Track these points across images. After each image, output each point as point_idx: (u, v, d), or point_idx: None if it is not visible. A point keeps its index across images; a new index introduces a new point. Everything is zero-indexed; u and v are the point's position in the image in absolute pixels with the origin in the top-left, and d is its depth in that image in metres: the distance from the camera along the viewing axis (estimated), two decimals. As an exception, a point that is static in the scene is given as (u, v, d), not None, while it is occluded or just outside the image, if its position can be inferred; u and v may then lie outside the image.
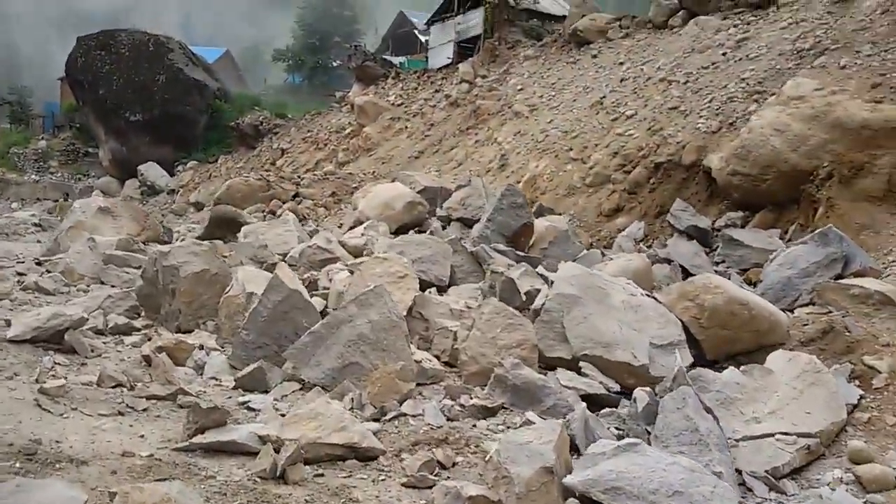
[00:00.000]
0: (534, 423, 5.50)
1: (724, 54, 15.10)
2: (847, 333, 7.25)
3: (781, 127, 10.55)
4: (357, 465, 4.86)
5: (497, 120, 19.34)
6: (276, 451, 4.69)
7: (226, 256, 11.23)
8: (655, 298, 7.61)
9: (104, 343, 7.58)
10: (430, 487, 4.57)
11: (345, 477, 4.67)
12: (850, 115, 10.00)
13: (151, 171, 33.86)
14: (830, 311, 7.89)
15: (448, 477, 4.77)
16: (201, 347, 7.25)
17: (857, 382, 6.73)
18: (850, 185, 9.94)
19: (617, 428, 5.76)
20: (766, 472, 5.44)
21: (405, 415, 5.73)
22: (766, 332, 7.52)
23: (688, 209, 11.53)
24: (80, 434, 4.98)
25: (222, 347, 7.53)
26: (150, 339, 7.77)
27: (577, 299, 7.22)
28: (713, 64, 14.88)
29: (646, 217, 12.68)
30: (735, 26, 16.35)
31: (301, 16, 52.23)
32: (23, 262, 12.43)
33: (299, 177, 22.98)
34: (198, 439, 4.91)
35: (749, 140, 10.83)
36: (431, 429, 5.53)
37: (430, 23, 31.92)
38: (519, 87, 20.38)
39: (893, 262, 9.09)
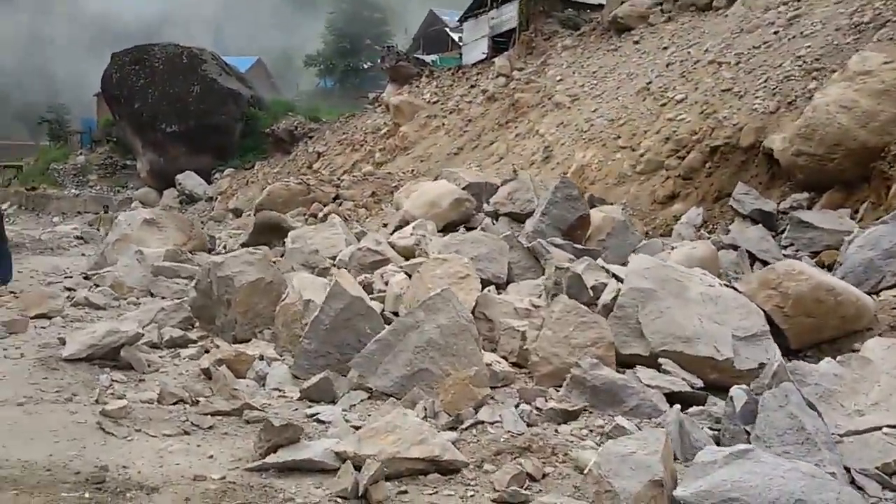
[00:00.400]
0: (625, 428, 5.15)
1: (775, 33, 14.50)
2: (945, 316, 6.78)
3: (848, 104, 10.02)
4: (440, 480, 4.53)
5: (537, 112, 18.91)
6: (356, 468, 4.39)
7: (273, 262, 11.01)
8: (735, 288, 7.20)
9: (160, 357, 7.39)
10: (525, 503, 4.24)
11: (430, 494, 4.35)
12: (923, 88, 9.47)
13: (189, 180, 34.01)
14: (920, 294, 7.42)
15: (540, 490, 4.43)
16: (261, 358, 7.00)
17: (961, 369, 6.25)
18: (926, 161, 9.39)
19: (710, 428, 5.38)
20: (877, 468, 5.03)
21: (483, 422, 5.39)
22: (852, 319, 7.10)
23: (751, 192, 11.06)
24: (147, 457, 4.73)
25: (281, 357, 7.29)
26: (207, 352, 7.56)
27: (653, 293, 6.84)
28: (765, 43, 14.30)
29: (703, 202, 12.20)
30: (785, 3, 15.70)
31: (331, 20, 52.20)
32: (70, 277, 12.39)
33: (338, 179, 22.80)
34: (271, 459, 4.62)
35: (814, 118, 10.31)
36: (512, 436, 5.19)
37: (462, 19, 31.56)
38: (558, 78, 19.92)
39: (980, 238, 8.51)
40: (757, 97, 12.56)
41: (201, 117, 34.89)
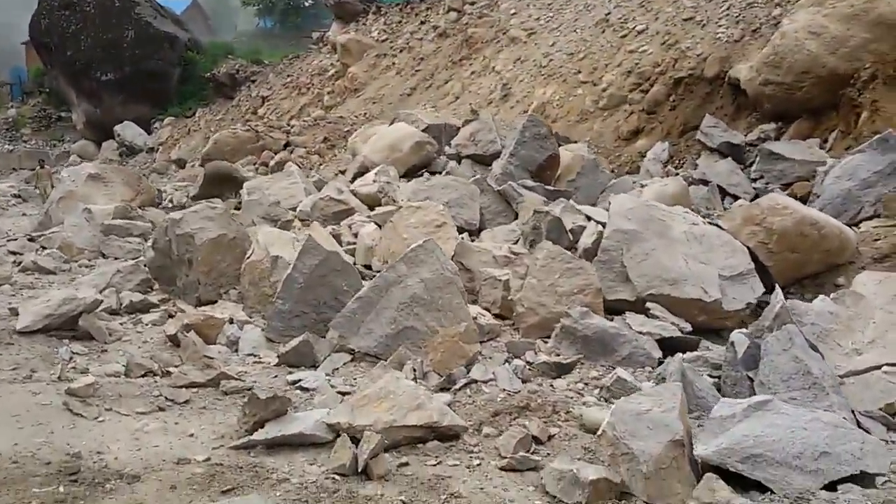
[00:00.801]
0: (626, 381, 4.96)
1: (733, -43, 14.16)
2: (928, 246, 6.72)
3: (817, 29, 9.81)
4: (441, 448, 4.28)
5: (492, 48, 18.36)
6: (353, 440, 4.11)
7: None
8: (719, 225, 7.03)
9: (121, 324, 6.94)
10: (535, 469, 4.01)
11: (433, 465, 4.09)
12: (894, 11, 9.26)
13: (128, 130, 32.62)
14: (900, 224, 7.36)
15: (548, 454, 4.21)
16: (231, 321, 6.62)
17: (947, 299, 6.20)
18: (896, 86, 9.27)
19: (710, 375, 5.22)
20: (881, 409, 4.95)
21: (476, 381, 5.15)
22: (836, 252, 7.02)
23: (719, 125, 10.87)
24: (123, 440, 4.37)
25: (251, 318, 6.93)
26: (171, 316, 7.13)
27: (637, 234, 6.63)
28: (724, -32, 13.95)
29: (668, 137, 12.00)
30: (740, -74, 15.30)
31: (266, -45, 49.94)
32: (15, 240, 11.66)
33: (287, 124, 22.01)
34: (258, 434, 4.31)
35: (782, 46, 10.08)
36: (509, 395, 4.97)
37: (406, -49, 30.38)
38: (512, 11, 19.31)
39: (952, 164, 8.47)
40: (720, 26, 12.29)
41: (137, 63, 33.27)
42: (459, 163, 12.12)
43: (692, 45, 12.27)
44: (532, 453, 4.16)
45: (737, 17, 12.13)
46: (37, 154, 33.06)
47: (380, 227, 8.15)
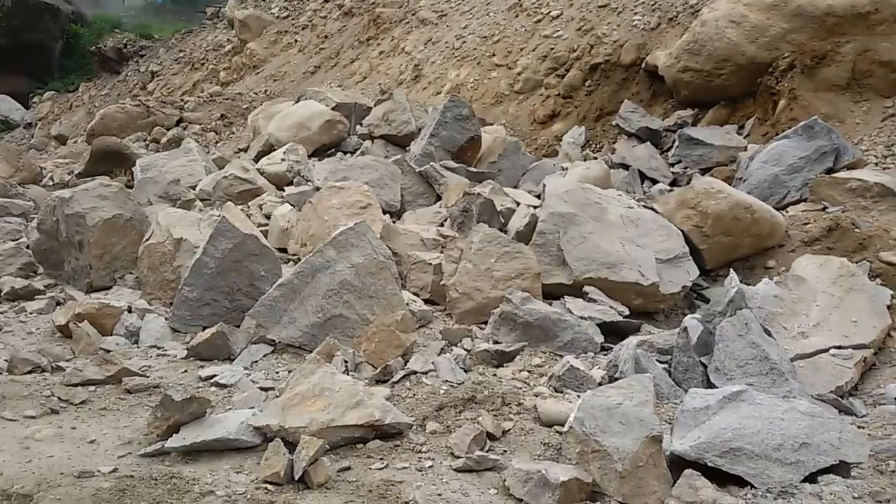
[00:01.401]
0: (579, 370, 4.63)
1: (645, -56, 14.13)
2: (856, 230, 6.75)
3: (738, 18, 9.80)
4: (385, 448, 3.83)
5: (401, 29, 17.80)
6: (286, 444, 3.60)
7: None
8: (654, 209, 6.84)
9: (2, 313, 6.14)
10: (493, 469, 3.61)
11: (380, 468, 3.63)
12: (812, 3, 9.35)
13: (4, 104, 30.40)
14: (826, 207, 7.39)
15: (505, 451, 3.83)
16: (130, 310, 5.92)
17: (878, 281, 6.25)
18: (813, 76, 9.38)
19: (659, 361, 4.96)
20: (832, 392, 4.85)
21: (415, 373, 4.70)
22: (766, 236, 6.98)
23: (637, 110, 10.78)
24: (10, 451, 3.70)
25: (151, 305, 6.24)
26: (59, 304, 6.37)
27: (574, 217, 6.34)
28: (637, -45, 13.90)
29: (584, 121, 11.85)
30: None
31: (156, -74, 47.52)
32: None
33: (181, 100, 20.85)
34: (174, 441, 3.73)
35: (703, 34, 10.04)
36: (452, 387, 4.54)
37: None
38: (420, -8, 18.84)
39: (866, 150, 8.64)
40: (636, 13, 12.20)
41: (15, 34, 31.01)
42: (372, 143, 11.61)
43: (608, 32, 12.13)
44: (488, 451, 3.77)
45: (653, 4, 12.06)
46: None
47: (294, 207, 7.57)
